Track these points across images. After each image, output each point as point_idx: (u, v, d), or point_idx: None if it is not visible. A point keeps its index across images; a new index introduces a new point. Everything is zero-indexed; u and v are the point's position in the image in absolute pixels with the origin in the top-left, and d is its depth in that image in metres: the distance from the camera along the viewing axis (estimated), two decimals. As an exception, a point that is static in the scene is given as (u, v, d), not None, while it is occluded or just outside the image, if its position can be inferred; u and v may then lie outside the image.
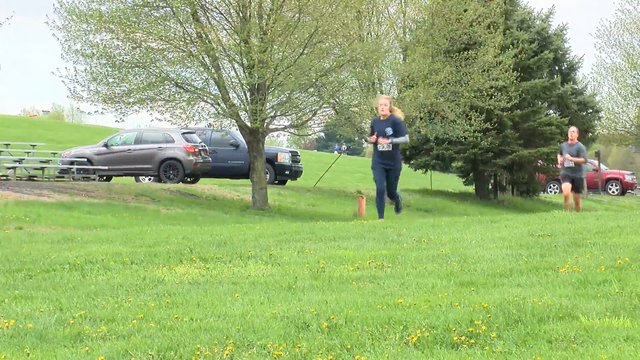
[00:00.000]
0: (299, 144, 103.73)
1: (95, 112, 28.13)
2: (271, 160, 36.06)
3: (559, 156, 20.63)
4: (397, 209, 17.59)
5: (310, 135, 57.43)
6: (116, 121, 31.24)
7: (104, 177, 34.90)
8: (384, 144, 16.07)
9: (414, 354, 5.65)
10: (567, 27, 51.74)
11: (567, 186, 20.32)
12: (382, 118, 16.32)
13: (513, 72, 38.65)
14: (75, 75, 28.75)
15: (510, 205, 42.95)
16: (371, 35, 36.74)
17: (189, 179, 34.48)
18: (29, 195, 24.51)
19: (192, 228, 14.98)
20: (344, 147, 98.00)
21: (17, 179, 30.52)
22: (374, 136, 16.15)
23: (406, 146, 43.13)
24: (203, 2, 28.85)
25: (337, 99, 34.82)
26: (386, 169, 16.37)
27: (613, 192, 55.80)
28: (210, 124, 30.84)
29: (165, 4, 28.33)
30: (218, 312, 6.85)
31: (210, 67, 28.63)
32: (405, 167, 49.86)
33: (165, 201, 27.17)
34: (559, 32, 50.82)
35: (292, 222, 19.05)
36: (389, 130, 16.06)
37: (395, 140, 16.10)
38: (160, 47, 28.83)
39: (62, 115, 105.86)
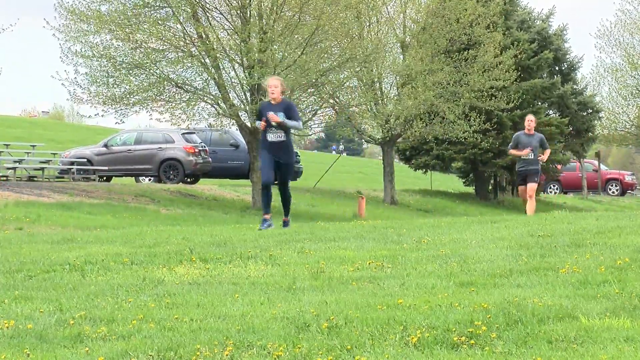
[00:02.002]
0: (299, 144, 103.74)
1: (95, 115, 28.18)
2: (271, 161, 36.00)
3: (512, 151, 18.77)
4: (286, 215, 15.07)
5: (310, 135, 57.46)
6: (116, 122, 31.31)
7: (104, 178, 34.91)
8: (275, 121, 14.12)
9: (414, 355, 5.65)
10: (567, 28, 51.79)
11: (524, 188, 18.70)
12: (272, 102, 14.45)
13: (513, 72, 38.66)
14: (75, 78, 28.79)
15: (510, 206, 42.95)
16: (371, 35, 36.75)
17: (189, 180, 34.49)
18: (29, 195, 24.52)
19: (192, 228, 14.97)
20: (341, 147, 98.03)
21: (17, 180, 30.53)
22: (263, 122, 14.29)
23: (406, 146, 43.16)
24: (203, 3, 28.88)
25: (337, 99, 34.84)
26: (277, 161, 14.49)
27: (613, 192, 55.83)
28: (210, 124, 30.88)
29: (165, 5, 28.35)
30: (218, 312, 6.85)
31: (210, 68, 28.65)
32: (405, 167, 49.93)
33: (165, 201, 27.19)
34: (559, 33, 50.83)
35: (292, 223, 19.04)
36: (281, 116, 14.29)
37: (288, 121, 14.26)
38: (160, 48, 28.86)
39: (62, 116, 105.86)
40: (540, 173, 19.31)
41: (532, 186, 18.66)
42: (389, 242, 11.02)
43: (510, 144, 19.18)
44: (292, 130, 14.66)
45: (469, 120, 37.44)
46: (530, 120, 18.88)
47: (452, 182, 53.90)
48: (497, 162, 42.62)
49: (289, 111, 14.36)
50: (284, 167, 14.59)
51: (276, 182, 14.91)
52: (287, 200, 15.04)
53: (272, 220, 14.69)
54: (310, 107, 31.69)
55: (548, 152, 18.88)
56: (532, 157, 18.49)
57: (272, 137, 14.33)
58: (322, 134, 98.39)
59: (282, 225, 14.81)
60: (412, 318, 6.35)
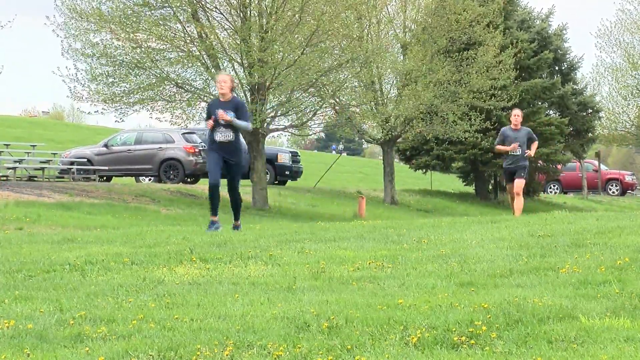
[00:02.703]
0: (299, 144, 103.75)
1: (95, 112, 28.43)
2: (271, 161, 36.08)
3: (498, 147, 17.95)
4: (236, 219, 14.19)
5: (310, 135, 57.48)
6: (116, 121, 31.33)
7: (104, 178, 34.91)
8: (224, 120, 13.44)
9: (414, 355, 5.65)
10: (567, 27, 51.77)
11: (512, 185, 17.94)
12: (221, 99, 13.75)
13: (512, 71, 38.65)
14: (76, 74, 28.81)
15: (510, 206, 42.93)
16: (371, 35, 36.76)
17: (189, 179, 34.48)
18: (29, 195, 24.52)
19: (192, 228, 14.97)
20: (340, 146, 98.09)
21: (17, 180, 30.53)
22: (211, 122, 13.57)
23: (406, 146, 43.15)
24: (203, 2, 28.88)
25: (337, 99, 34.84)
26: (226, 161, 13.73)
27: (613, 192, 55.83)
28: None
29: (165, 4, 28.35)
30: (218, 312, 6.85)
31: (210, 67, 28.65)
32: (405, 167, 49.93)
33: (165, 201, 27.18)
34: (558, 32, 50.82)
35: (292, 223, 19.06)
36: (231, 115, 13.55)
37: (237, 121, 13.51)
38: (160, 47, 28.87)
39: (62, 116, 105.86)
40: (529, 169, 18.44)
41: (519, 182, 17.93)
42: (389, 242, 11.02)
43: (496, 140, 18.44)
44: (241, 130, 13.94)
45: (470, 119, 37.45)
46: (516, 115, 18.06)
47: (452, 182, 53.90)
48: (497, 162, 42.57)
49: (239, 111, 13.63)
50: (233, 168, 13.79)
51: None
52: (237, 205, 14.20)
53: (219, 222, 14.01)
54: (311, 107, 31.69)
55: (536, 144, 18.12)
56: (519, 152, 17.80)
57: (220, 136, 13.62)
58: (322, 134, 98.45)
59: (232, 228, 13.99)
60: (412, 318, 6.35)
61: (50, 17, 28.81)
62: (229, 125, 13.56)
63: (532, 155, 17.99)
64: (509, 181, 18.26)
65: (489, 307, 6.60)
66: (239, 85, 29.28)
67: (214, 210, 13.91)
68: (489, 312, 6.46)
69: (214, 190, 13.82)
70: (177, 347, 5.84)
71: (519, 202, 18.01)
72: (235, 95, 14.13)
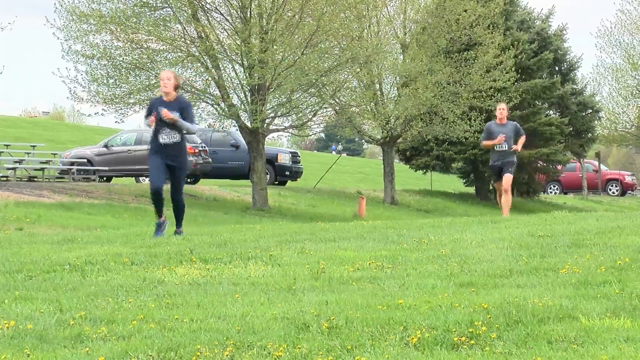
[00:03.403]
0: (299, 144, 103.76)
1: (95, 114, 28.47)
2: (271, 161, 36.09)
3: (484, 143, 17.37)
4: (178, 226, 13.35)
5: (310, 136, 57.47)
6: (116, 122, 31.33)
7: (104, 178, 34.90)
8: (168, 118, 12.45)
9: (414, 355, 5.65)
10: (567, 28, 51.80)
11: (500, 183, 17.29)
12: (165, 98, 12.76)
13: (513, 72, 38.63)
14: (76, 76, 28.81)
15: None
16: (371, 36, 36.75)
17: (189, 180, 34.46)
18: (29, 195, 24.52)
19: (192, 229, 14.97)
20: (340, 147, 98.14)
21: (17, 180, 30.53)
22: (154, 118, 12.59)
23: (406, 146, 43.14)
24: (203, 3, 28.87)
25: (337, 100, 34.84)
26: (169, 165, 12.82)
27: (613, 192, 55.84)
28: (210, 124, 30.85)
29: (165, 5, 28.35)
30: (218, 313, 6.85)
31: (210, 68, 28.64)
32: (405, 167, 49.92)
33: (165, 202, 27.16)
34: (558, 33, 50.84)
35: (292, 223, 19.05)
36: (176, 114, 12.63)
37: (182, 122, 12.55)
38: (160, 48, 28.86)
39: (63, 116, 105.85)
40: (516, 164, 17.75)
41: (507, 177, 17.20)
42: (389, 242, 11.02)
43: (482, 135, 17.84)
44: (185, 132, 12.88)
45: (470, 120, 37.44)
46: (501, 109, 17.48)
47: (453, 183, 53.90)
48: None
49: (185, 111, 12.67)
50: (177, 172, 12.92)
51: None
52: (180, 211, 13.34)
53: (166, 221, 13.18)
54: (311, 107, 31.69)
55: (523, 138, 17.33)
56: (506, 147, 17.13)
57: (165, 138, 12.68)
58: (322, 134, 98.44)
59: (174, 234, 13.08)
60: (412, 318, 6.35)
61: (50, 20, 28.82)
62: (174, 126, 12.63)
63: (519, 150, 17.31)
64: (496, 179, 17.73)
65: (489, 307, 6.60)
66: (240, 86, 29.29)
67: (160, 212, 13.06)
68: (489, 312, 6.46)
69: (156, 195, 12.95)
70: (177, 348, 5.84)
71: (506, 199, 17.43)
72: (181, 94, 13.26)
